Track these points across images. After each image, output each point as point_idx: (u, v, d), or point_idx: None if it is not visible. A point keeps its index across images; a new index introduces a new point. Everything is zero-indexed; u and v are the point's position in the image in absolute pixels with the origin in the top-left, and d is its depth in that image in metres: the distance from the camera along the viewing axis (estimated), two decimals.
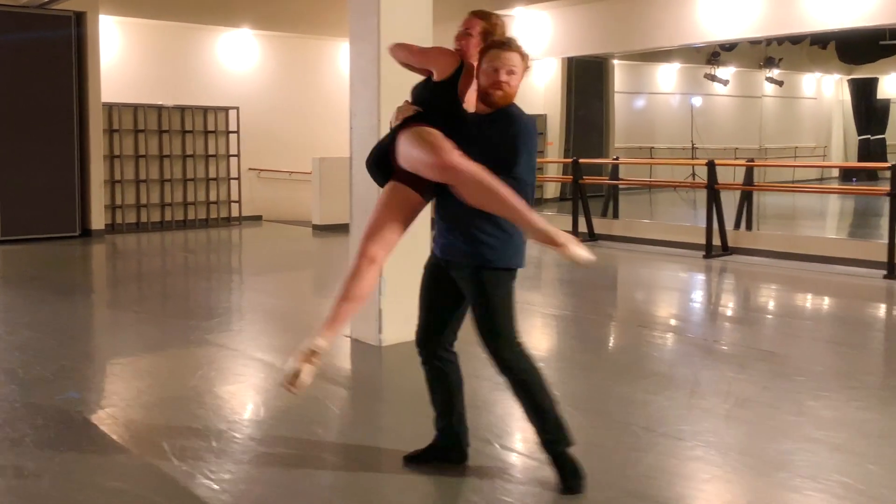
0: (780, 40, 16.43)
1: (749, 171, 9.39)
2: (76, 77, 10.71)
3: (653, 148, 16.41)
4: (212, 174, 12.54)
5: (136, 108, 11.71)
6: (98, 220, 11.08)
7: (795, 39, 17.18)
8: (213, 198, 12.60)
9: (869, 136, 20.23)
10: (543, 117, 13.84)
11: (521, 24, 11.71)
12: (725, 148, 17.33)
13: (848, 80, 20.95)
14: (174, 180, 12.17)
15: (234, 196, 12.75)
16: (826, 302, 7.24)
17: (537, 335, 5.78)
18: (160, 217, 12.12)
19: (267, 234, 12.26)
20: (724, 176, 9.32)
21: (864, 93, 20.63)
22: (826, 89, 21.59)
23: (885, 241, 7.67)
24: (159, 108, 11.91)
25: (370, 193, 5.27)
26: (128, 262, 9.87)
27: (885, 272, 7.58)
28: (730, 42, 11.39)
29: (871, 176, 19.55)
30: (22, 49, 10.25)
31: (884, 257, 7.62)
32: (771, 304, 7.17)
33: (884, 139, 19.77)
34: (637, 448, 3.48)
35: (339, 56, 13.98)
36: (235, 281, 8.48)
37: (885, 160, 18.90)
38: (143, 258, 10.06)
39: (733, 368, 4.75)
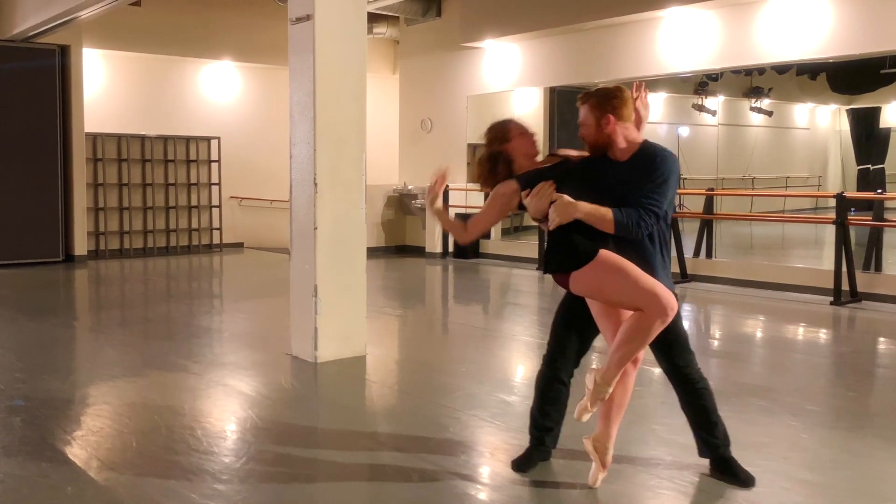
0: (761, 70, 16.73)
1: (709, 200, 9.60)
2: (60, 108, 11.09)
3: None
4: (194, 202, 12.85)
5: (119, 138, 12.08)
6: (81, 245, 11.40)
7: (781, 70, 17.46)
8: (194, 225, 12.90)
9: (869, 165, 20.32)
10: None
11: (491, 56, 12.04)
12: (711, 178, 17.56)
13: (847, 110, 21.08)
14: (157, 208, 12.49)
15: (216, 224, 13.06)
16: (766, 323, 7.45)
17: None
18: (143, 244, 12.42)
19: (248, 260, 12.52)
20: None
21: (865, 122, 20.67)
22: (821, 119, 21.80)
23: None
24: (142, 138, 12.27)
25: (308, 216, 5.58)
26: (107, 287, 10.13)
27: (832, 298, 7.83)
28: (689, 73, 11.56)
29: (869, 206, 19.70)
30: (7, 81, 10.67)
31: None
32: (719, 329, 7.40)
33: (883, 169, 19.85)
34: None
35: None
36: (216, 305, 8.69)
37: (885, 191, 19.08)
38: (125, 283, 10.31)
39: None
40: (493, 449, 3.89)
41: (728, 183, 17.72)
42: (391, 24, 13.47)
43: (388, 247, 12.88)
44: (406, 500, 3.28)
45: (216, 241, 13.08)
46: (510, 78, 11.90)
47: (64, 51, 11.08)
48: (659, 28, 9.87)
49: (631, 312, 3.17)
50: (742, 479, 3.34)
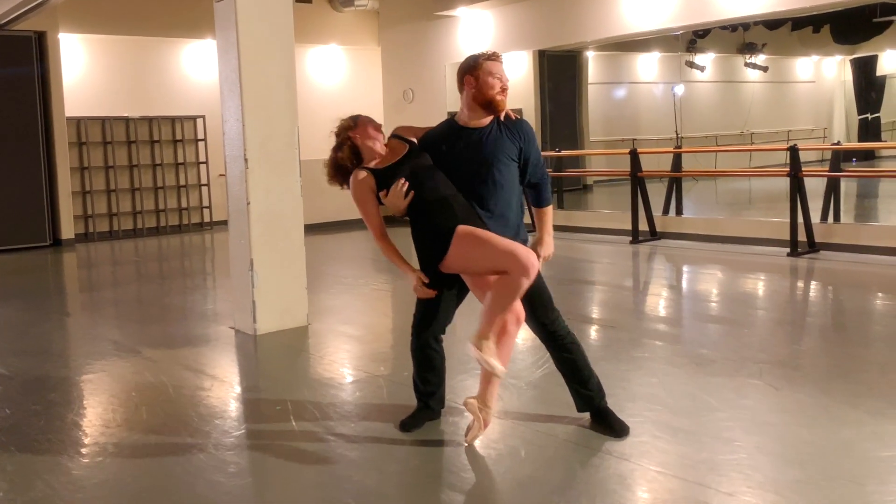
0: (746, 26, 16.47)
1: (677, 158, 9.59)
2: (40, 94, 11.27)
3: (634, 139, 16.39)
4: (182, 181, 13.03)
5: (104, 121, 12.25)
6: (68, 229, 11.65)
7: (772, 24, 17.15)
8: (184, 204, 13.10)
9: (868, 115, 19.97)
10: (518, 111, 14.05)
11: (465, 24, 12.02)
12: (707, 136, 17.40)
13: (850, 60, 20.73)
14: (144, 189, 12.68)
15: (206, 202, 13.24)
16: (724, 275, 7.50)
17: None
18: (132, 225, 12.64)
19: None
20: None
21: (863, 71, 20.32)
22: (827, 71, 21.40)
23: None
24: (127, 120, 12.43)
25: (241, 192, 5.69)
26: (86, 269, 10.31)
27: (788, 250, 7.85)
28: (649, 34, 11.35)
29: (869, 156, 19.38)
30: None
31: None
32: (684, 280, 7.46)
33: (878, 118, 19.52)
34: None
35: (306, 62, 14.39)
36: (189, 284, 8.89)
37: (880, 140, 18.78)
38: (105, 266, 10.48)
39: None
40: (378, 407, 4.04)
41: (725, 139, 17.58)
42: None
43: None
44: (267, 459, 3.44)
45: (206, 219, 13.28)
46: (485, 44, 11.85)
47: (40, 37, 11.22)
48: None
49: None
50: (616, 430, 3.44)
